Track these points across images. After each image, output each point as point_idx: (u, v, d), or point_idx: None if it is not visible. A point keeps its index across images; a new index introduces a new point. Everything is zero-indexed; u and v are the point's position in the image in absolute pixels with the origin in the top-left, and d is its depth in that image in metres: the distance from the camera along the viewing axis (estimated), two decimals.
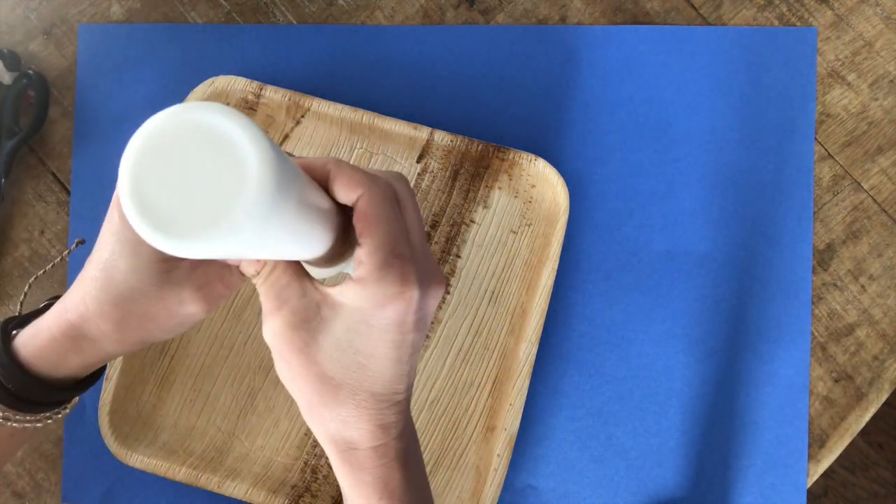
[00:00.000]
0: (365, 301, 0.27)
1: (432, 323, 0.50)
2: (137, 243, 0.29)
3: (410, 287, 0.27)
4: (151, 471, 0.47)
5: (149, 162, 0.22)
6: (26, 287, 0.38)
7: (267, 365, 0.50)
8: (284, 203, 0.22)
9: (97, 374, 0.35)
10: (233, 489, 0.47)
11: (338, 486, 0.49)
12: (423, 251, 0.29)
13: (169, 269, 0.30)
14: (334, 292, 0.28)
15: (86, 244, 0.51)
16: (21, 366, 0.31)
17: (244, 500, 0.47)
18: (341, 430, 0.28)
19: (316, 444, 0.49)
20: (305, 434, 0.50)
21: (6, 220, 0.53)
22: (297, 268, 0.29)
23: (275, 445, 0.49)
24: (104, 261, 0.29)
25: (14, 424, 0.32)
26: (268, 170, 0.21)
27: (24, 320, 0.33)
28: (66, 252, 0.38)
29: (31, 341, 0.31)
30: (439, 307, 0.50)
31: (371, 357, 0.28)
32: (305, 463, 0.49)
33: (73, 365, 0.32)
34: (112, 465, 0.50)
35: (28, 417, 0.33)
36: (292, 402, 0.50)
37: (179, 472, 0.47)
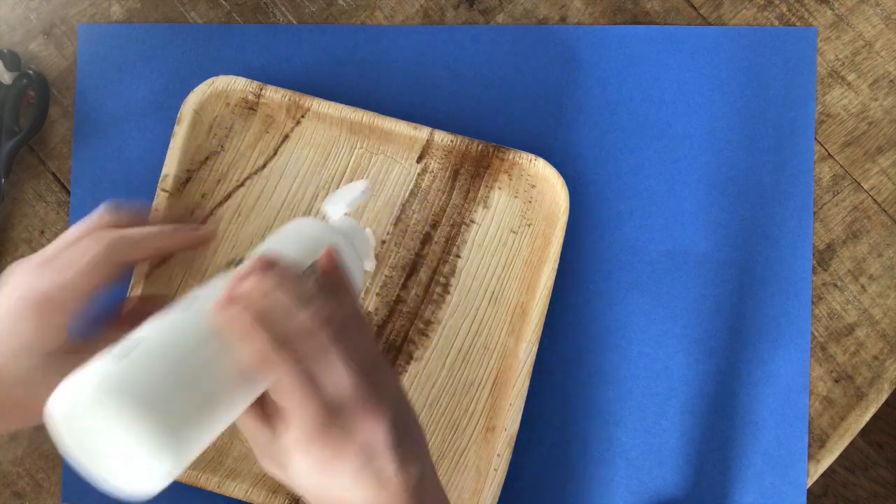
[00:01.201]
0: (310, 462, 0.29)
1: (432, 323, 0.50)
2: (35, 365, 0.31)
3: (345, 450, 0.29)
4: None
5: (72, 435, 0.26)
6: None
7: None
8: (196, 447, 0.27)
9: None
10: (233, 489, 0.47)
11: None
12: (357, 382, 0.30)
13: (62, 374, 0.30)
14: (290, 443, 0.30)
15: None
16: None
17: (244, 500, 0.47)
18: None
19: None
20: None
21: (6, 220, 0.53)
22: (256, 417, 0.31)
23: None
24: None
25: None
26: (169, 446, 0.25)
27: None
28: None
29: None
30: (439, 307, 0.50)
31: (339, 487, 0.30)
32: None
33: None
34: None
35: None
36: None
37: None
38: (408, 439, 0.31)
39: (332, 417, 0.29)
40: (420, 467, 0.31)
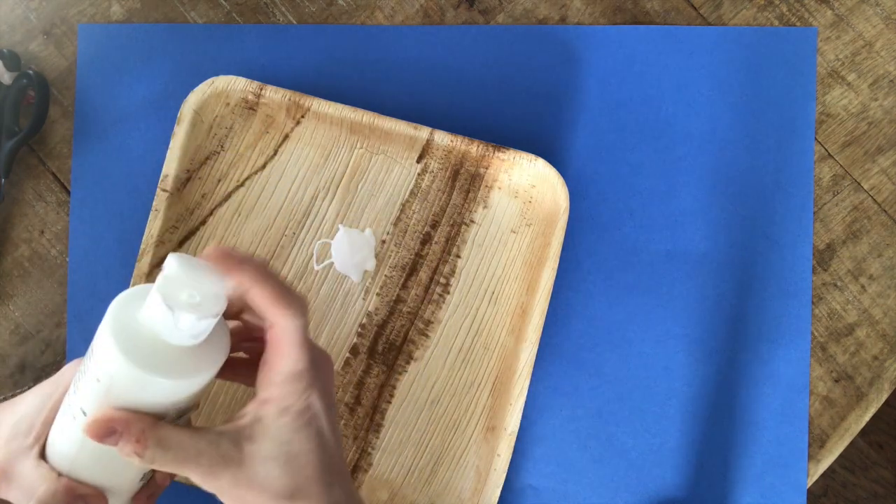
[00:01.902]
0: (282, 409, 0.30)
1: (432, 323, 0.50)
2: None
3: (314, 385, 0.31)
4: None
5: None
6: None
7: None
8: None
9: None
10: None
11: None
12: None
13: None
14: (247, 422, 0.30)
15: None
16: None
17: None
18: None
19: None
20: None
21: (6, 220, 0.53)
22: (181, 437, 0.30)
23: None
24: None
25: None
26: None
27: None
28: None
29: None
30: (439, 307, 0.50)
31: (308, 451, 0.31)
32: None
33: None
34: None
35: None
36: None
37: None
38: None
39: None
40: None
